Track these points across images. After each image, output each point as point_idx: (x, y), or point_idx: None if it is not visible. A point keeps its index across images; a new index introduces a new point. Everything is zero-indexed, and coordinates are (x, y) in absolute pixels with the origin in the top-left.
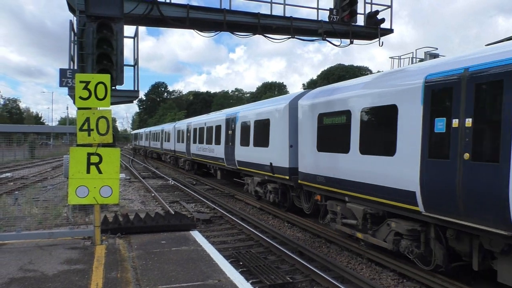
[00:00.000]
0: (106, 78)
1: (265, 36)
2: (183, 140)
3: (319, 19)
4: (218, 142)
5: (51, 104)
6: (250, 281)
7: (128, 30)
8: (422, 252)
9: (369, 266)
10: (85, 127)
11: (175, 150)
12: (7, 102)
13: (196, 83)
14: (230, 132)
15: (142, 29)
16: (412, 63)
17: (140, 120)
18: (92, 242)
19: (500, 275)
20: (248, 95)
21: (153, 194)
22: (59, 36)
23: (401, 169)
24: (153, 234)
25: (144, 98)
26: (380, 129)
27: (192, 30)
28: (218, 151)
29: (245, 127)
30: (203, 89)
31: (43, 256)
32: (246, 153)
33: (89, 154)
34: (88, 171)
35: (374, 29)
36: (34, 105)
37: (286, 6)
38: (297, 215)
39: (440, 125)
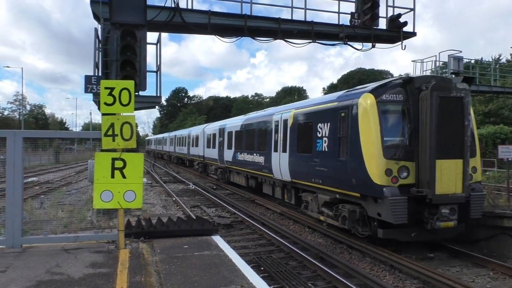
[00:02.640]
0: (130, 84)
1: (286, 41)
2: (173, 144)
3: (341, 23)
4: (185, 145)
5: (75, 110)
6: (272, 287)
7: (151, 36)
8: (223, 177)
9: (392, 273)
10: (110, 132)
11: (168, 151)
12: (33, 108)
13: (216, 88)
14: (188, 140)
15: (164, 35)
16: (435, 66)
17: (161, 125)
18: (116, 246)
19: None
20: (268, 99)
21: (174, 199)
22: (84, 43)
23: (213, 152)
24: (176, 239)
25: (165, 104)
26: (213, 141)
27: (213, 36)
28: (185, 150)
29: (193, 138)
30: (224, 94)
31: (69, 259)
32: (194, 150)
33: (113, 159)
34: (112, 176)
35: (396, 32)
36: (59, 111)
37: (307, 10)
38: (313, 220)
39: (220, 139)
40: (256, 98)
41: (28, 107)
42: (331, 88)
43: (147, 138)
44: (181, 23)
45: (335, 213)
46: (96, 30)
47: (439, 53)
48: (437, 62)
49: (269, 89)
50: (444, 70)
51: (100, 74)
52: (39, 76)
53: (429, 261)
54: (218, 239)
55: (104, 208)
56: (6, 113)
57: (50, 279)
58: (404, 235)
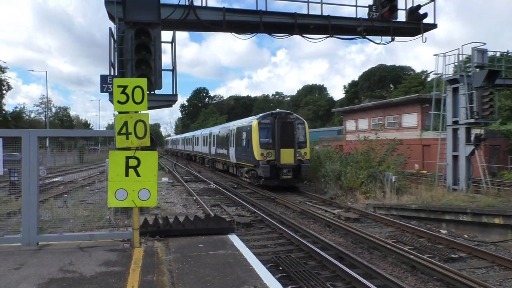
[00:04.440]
0: (142, 82)
1: (302, 36)
2: (183, 143)
3: (358, 16)
4: (191, 144)
5: (99, 111)
6: (290, 287)
7: (168, 35)
8: (212, 165)
9: (414, 274)
10: (123, 130)
11: (180, 149)
12: (59, 110)
13: (237, 87)
14: (193, 140)
15: (185, 35)
16: (458, 59)
17: (182, 126)
18: (131, 245)
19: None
20: (288, 98)
21: (194, 198)
22: (106, 45)
23: (200, 148)
24: (191, 237)
25: (186, 104)
26: (207, 140)
27: (234, 35)
28: (191, 148)
29: (196, 139)
30: (245, 93)
31: (83, 257)
32: (196, 148)
33: (127, 158)
34: (126, 174)
35: (416, 24)
36: (84, 113)
37: (323, 5)
38: (332, 219)
39: (209, 139)
40: (277, 97)
41: (53, 110)
42: (352, 86)
43: (165, 139)
44: (195, 20)
45: (249, 176)
46: (110, 29)
47: (462, 46)
48: (460, 56)
49: (290, 88)
50: (468, 64)
51: (116, 73)
52: (64, 79)
53: (453, 262)
54: (234, 238)
55: (118, 206)
56: (32, 115)
57: (62, 277)
58: (271, 183)
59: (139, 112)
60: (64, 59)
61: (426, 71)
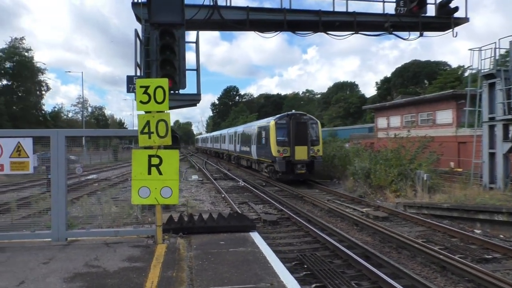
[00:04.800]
0: (164, 82)
1: (327, 34)
2: (211, 142)
3: (385, 12)
4: (218, 142)
5: (132, 110)
6: (314, 285)
7: (194, 35)
8: (237, 162)
9: (444, 274)
10: (146, 130)
11: (209, 147)
12: (94, 110)
13: (268, 85)
14: (220, 139)
15: (215, 34)
16: (495, 54)
17: (213, 124)
18: (154, 241)
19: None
20: (319, 96)
21: (223, 195)
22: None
23: (227, 146)
24: (214, 235)
25: (217, 102)
26: (232, 139)
27: (256, 32)
28: (219, 146)
29: (223, 137)
30: (275, 91)
31: (108, 253)
32: (223, 146)
33: (149, 156)
34: (149, 173)
35: (446, 18)
36: (119, 112)
37: (349, 1)
38: (360, 217)
39: (234, 138)
40: (307, 94)
41: (89, 109)
42: (385, 82)
43: (196, 137)
44: (219, 20)
45: (268, 170)
46: (136, 31)
47: (499, 39)
48: (497, 50)
49: (321, 85)
50: (507, 59)
51: (142, 74)
52: (100, 79)
53: (486, 263)
54: (255, 236)
55: (141, 203)
56: (70, 115)
57: (87, 272)
58: (287, 177)
59: (165, 112)
60: (100, 60)
61: (463, 66)
